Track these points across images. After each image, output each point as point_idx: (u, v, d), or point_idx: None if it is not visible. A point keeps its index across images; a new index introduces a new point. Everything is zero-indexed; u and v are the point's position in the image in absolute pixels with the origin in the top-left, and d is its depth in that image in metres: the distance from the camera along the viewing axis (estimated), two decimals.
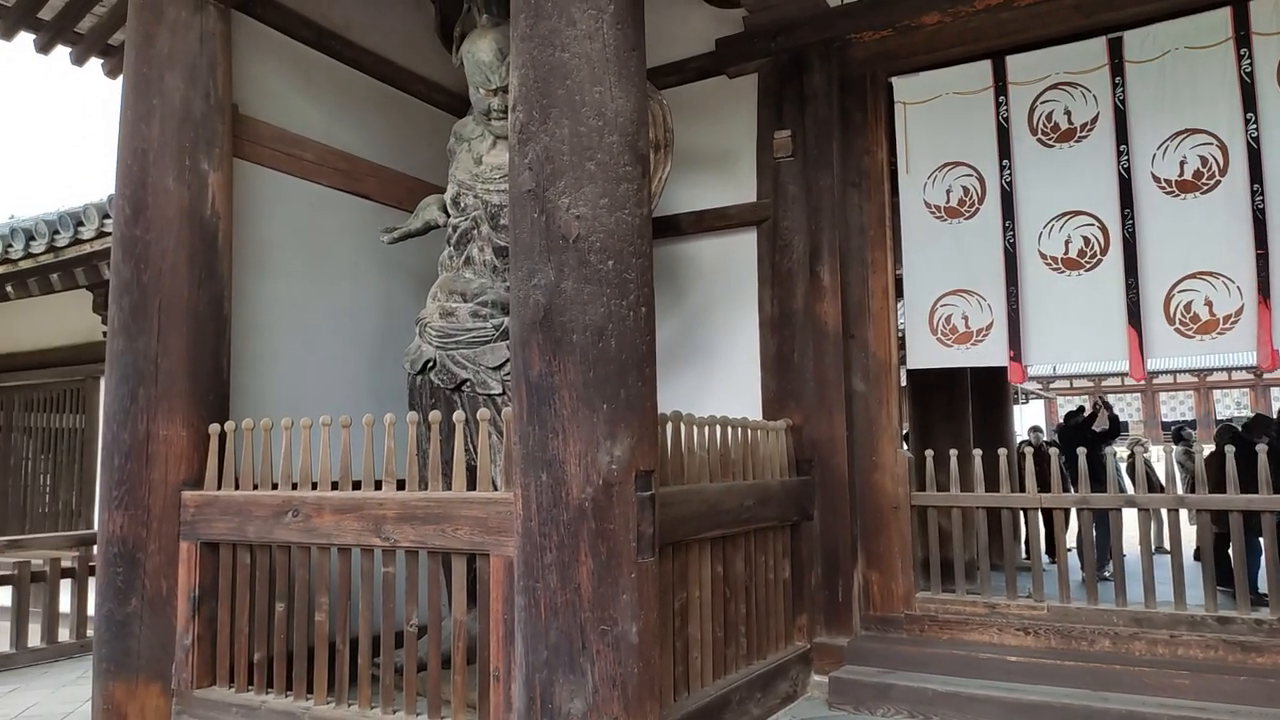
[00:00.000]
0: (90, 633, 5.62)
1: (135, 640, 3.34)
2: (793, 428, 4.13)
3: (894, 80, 4.26)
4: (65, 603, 5.58)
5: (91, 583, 5.74)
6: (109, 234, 5.13)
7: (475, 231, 4.05)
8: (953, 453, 4.05)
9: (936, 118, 4.18)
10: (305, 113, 4.25)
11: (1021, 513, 4.29)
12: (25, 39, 5.51)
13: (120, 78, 5.85)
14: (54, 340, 7.73)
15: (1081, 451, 4.08)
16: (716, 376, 4.50)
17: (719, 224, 4.46)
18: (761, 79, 4.44)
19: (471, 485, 3.12)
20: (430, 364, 4.05)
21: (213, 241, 3.60)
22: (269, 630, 3.29)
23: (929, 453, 4.11)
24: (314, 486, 3.22)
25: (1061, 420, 9.30)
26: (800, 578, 4.03)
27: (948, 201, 4.17)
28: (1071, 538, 4.42)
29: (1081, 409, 9.35)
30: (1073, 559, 4.27)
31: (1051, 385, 26.78)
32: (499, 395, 3.95)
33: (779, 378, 4.24)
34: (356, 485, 3.23)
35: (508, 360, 3.93)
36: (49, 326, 7.74)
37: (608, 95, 2.59)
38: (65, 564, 5.65)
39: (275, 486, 3.32)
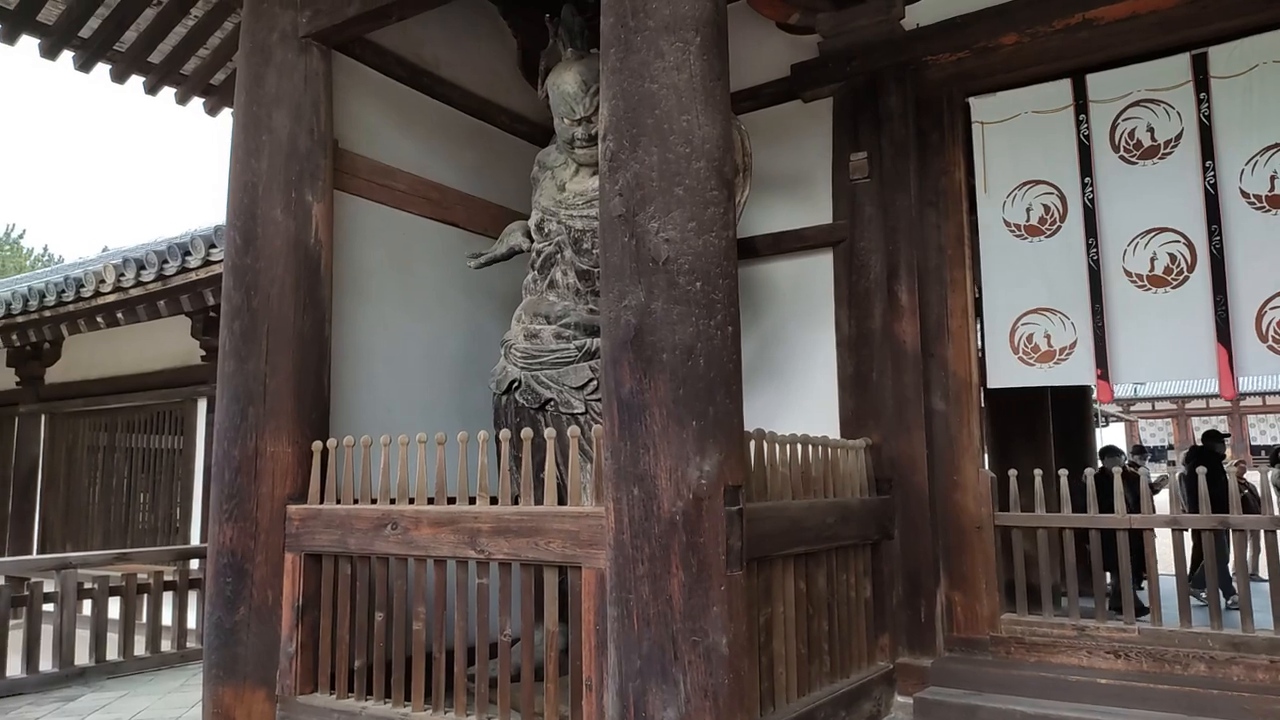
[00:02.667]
0: (190, 643, 5.94)
1: (243, 647, 3.53)
2: (872, 446, 4.14)
3: (971, 100, 4.28)
4: (166, 614, 5.87)
5: (191, 595, 6.05)
6: (214, 262, 5.46)
7: (558, 256, 4.20)
8: (1037, 473, 4.01)
9: (1015, 137, 4.19)
10: (399, 146, 4.47)
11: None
12: (135, 81, 5.91)
13: (219, 114, 6.33)
14: (154, 364, 8.15)
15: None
16: (793, 395, 4.55)
17: (796, 246, 4.53)
18: (836, 102, 4.51)
19: (559, 500, 3.24)
20: (515, 384, 4.19)
21: (316, 269, 3.81)
22: (368, 639, 3.44)
23: (1012, 472, 4.09)
24: (411, 501, 3.37)
25: (1199, 440, 9.04)
26: (881, 597, 4.03)
27: (1028, 220, 4.16)
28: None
29: (1216, 433, 9.06)
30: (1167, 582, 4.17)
31: (1133, 408, 25.94)
32: (582, 414, 4.07)
33: (857, 396, 4.27)
34: (451, 500, 3.38)
35: (591, 380, 4.08)
36: (149, 351, 8.17)
37: (695, 123, 2.70)
38: (167, 577, 5.95)
39: (374, 501, 3.48)
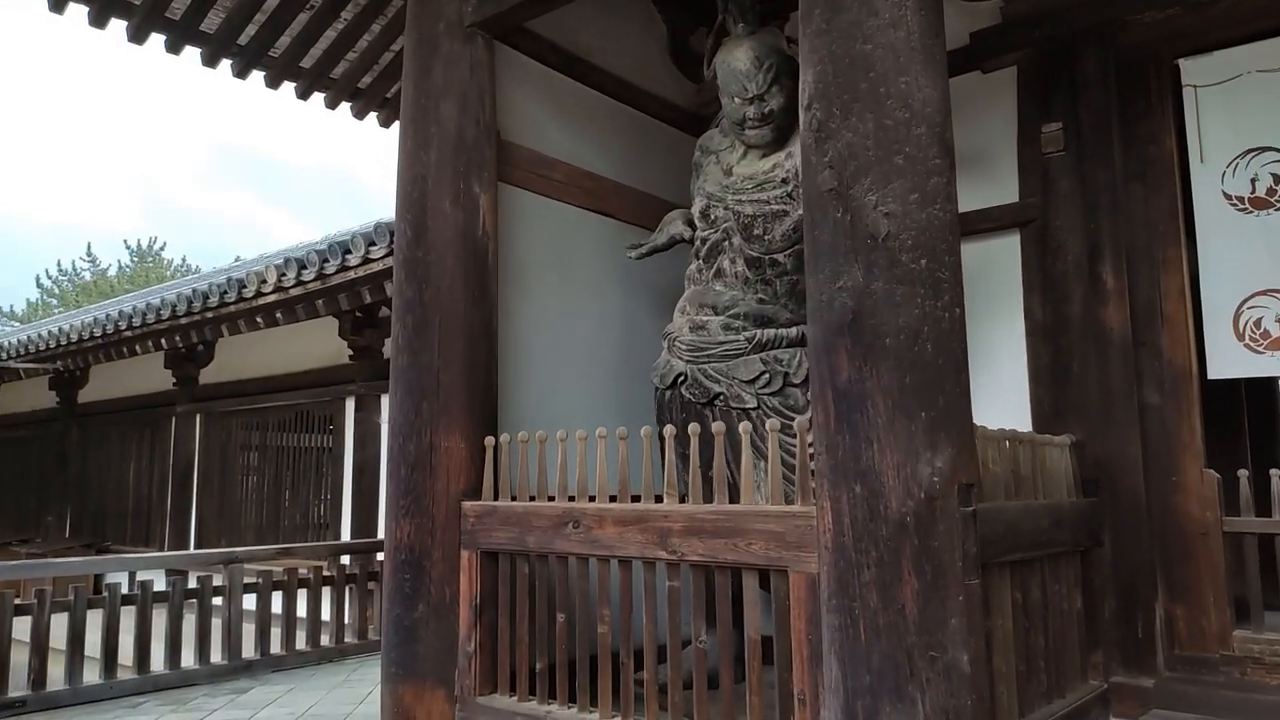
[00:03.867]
0: (348, 638, 6.02)
1: (422, 645, 3.47)
2: (1075, 444, 3.78)
3: (1181, 62, 3.86)
4: (324, 608, 5.97)
5: (349, 591, 6.14)
6: (373, 260, 5.52)
7: (726, 243, 4.00)
8: (1274, 473, 3.57)
9: (1235, 100, 3.75)
10: (555, 135, 4.37)
11: None
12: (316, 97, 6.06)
13: (365, 118, 6.42)
14: (303, 364, 8.39)
15: None
16: (978, 388, 4.11)
17: (981, 227, 4.19)
18: (1021, 71, 4.16)
19: (733, 499, 3.05)
20: (681, 378, 4.01)
21: (484, 261, 3.74)
22: (549, 640, 3.32)
23: (1243, 472, 3.65)
24: (591, 499, 3.23)
25: None
26: (1092, 610, 3.67)
27: (1253, 191, 3.72)
28: None
29: None
30: None
31: None
32: (754, 409, 3.86)
33: (1054, 390, 3.91)
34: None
35: (763, 373, 3.86)
36: (298, 351, 8.42)
37: (914, 85, 2.46)
38: (325, 572, 6.06)
39: (552, 498, 3.37)
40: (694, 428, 3.06)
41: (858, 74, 2.47)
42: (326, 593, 5.99)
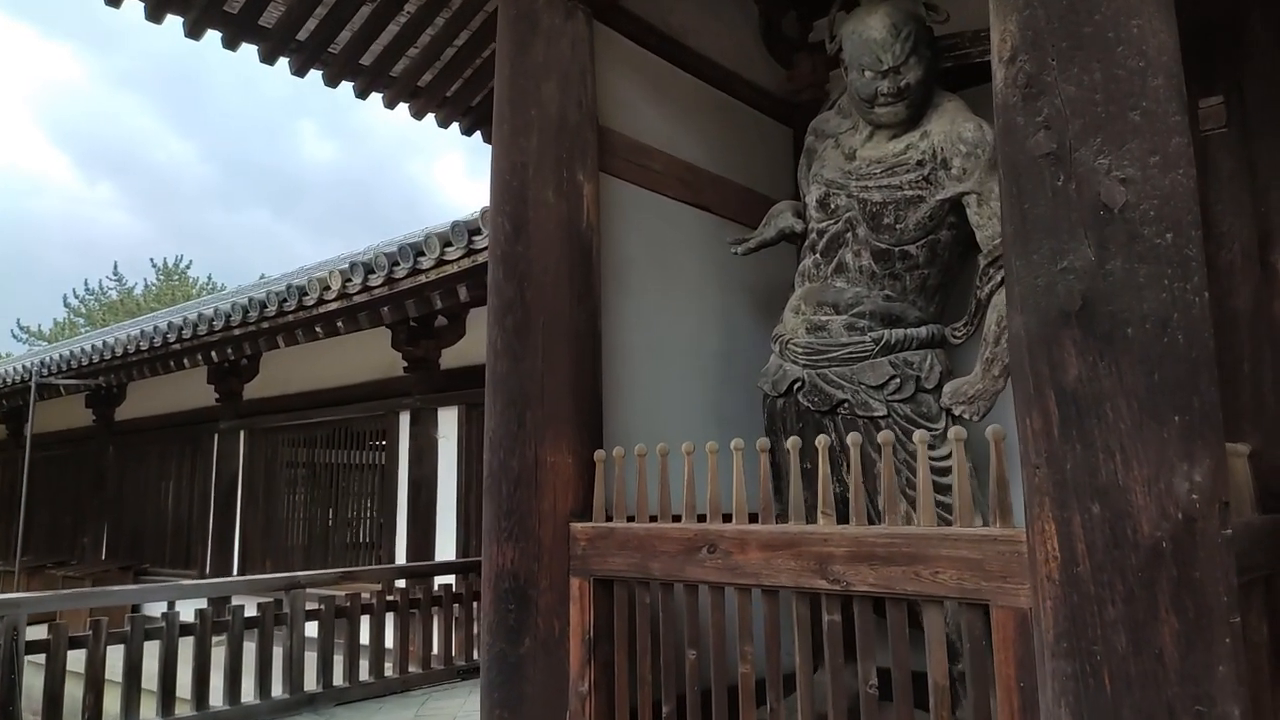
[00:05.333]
0: (412, 668, 5.66)
1: (529, 685, 3.10)
2: (1252, 454, 3.36)
3: None
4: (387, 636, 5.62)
5: (413, 617, 5.78)
6: (449, 261, 5.19)
7: (849, 235, 3.63)
8: None
9: None
10: (652, 122, 4.02)
11: None
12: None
13: (424, 118, 6.12)
14: (353, 378, 8.08)
15: None
16: None
17: None
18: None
19: (844, 519, 2.68)
20: (798, 384, 3.64)
21: (588, 256, 3.39)
22: (676, 678, 2.94)
23: None
24: (726, 519, 2.86)
25: None
26: (1278, 642, 3.24)
27: None
28: None
29: None
30: None
31: None
32: (883, 417, 3.48)
33: (1223, 393, 3.49)
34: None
35: (893, 378, 3.48)
36: (348, 364, 8.11)
37: (1147, 29, 2.08)
38: (388, 597, 5.70)
39: (676, 518, 2.99)
40: (854, 438, 2.68)
41: (1079, 17, 2.10)
42: (389, 619, 5.64)
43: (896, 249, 3.52)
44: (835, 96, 3.97)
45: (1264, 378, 3.40)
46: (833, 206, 3.66)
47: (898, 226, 3.49)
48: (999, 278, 3.32)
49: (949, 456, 3.28)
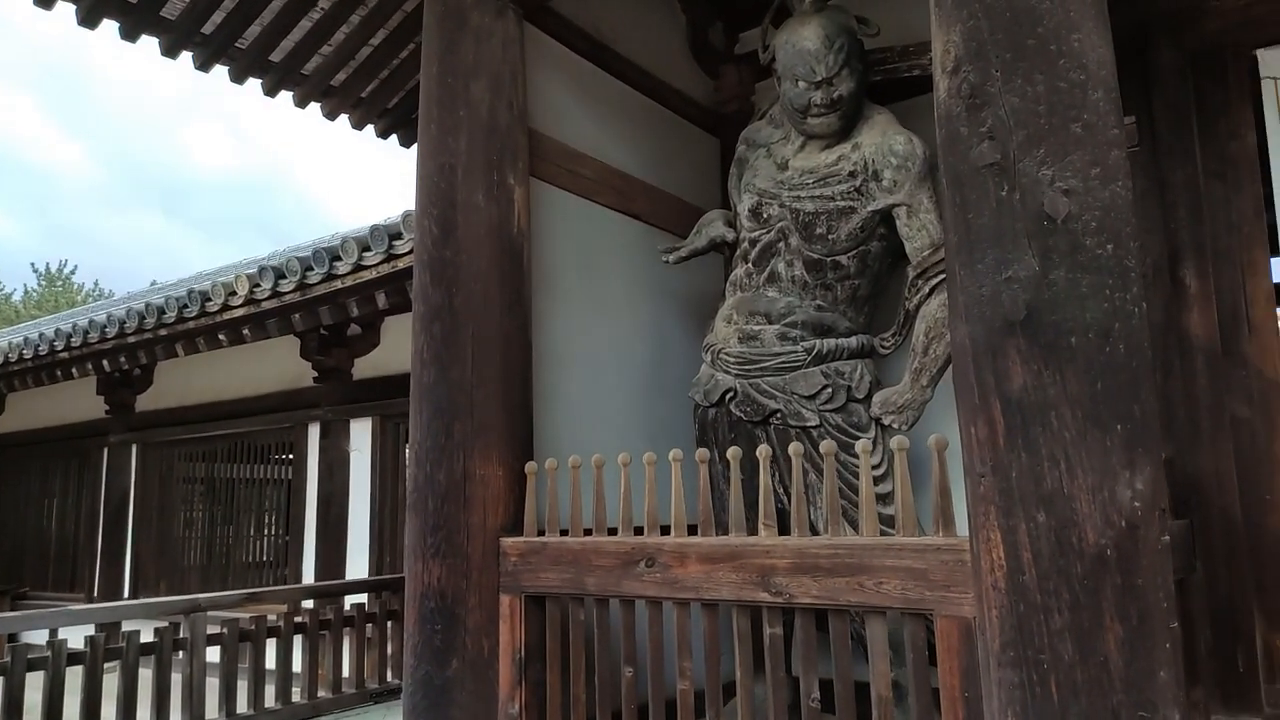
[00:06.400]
0: (321, 693, 5.39)
1: (456, 708, 2.95)
2: (1164, 461, 3.48)
3: (1260, 53, 3.64)
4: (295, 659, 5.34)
5: (323, 639, 5.51)
6: (367, 267, 4.98)
7: (781, 245, 3.62)
8: None
9: None
10: (582, 127, 3.95)
11: None
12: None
13: (337, 118, 5.89)
14: (258, 389, 7.72)
15: None
16: None
17: None
18: None
19: (784, 530, 2.66)
20: (730, 394, 3.61)
21: (518, 262, 3.29)
22: (613, 697, 2.85)
23: None
24: (664, 532, 2.79)
25: None
26: (1190, 644, 3.35)
27: None
28: None
29: None
30: None
31: None
32: (815, 427, 3.48)
33: None
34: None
35: (824, 388, 3.49)
36: (252, 374, 7.74)
37: (1087, 43, 2.12)
38: (296, 619, 5.43)
39: (612, 532, 2.91)
40: (795, 447, 2.64)
41: (1022, 29, 2.12)
42: (297, 641, 5.36)
43: (828, 259, 3.54)
44: (764, 107, 3.98)
45: (1174, 388, 3.54)
46: (765, 216, 3.65)
47: (830, 237, 3.50)
48: (927, 289, 3.37)
49: (881, 465, 3.31)
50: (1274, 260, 3.77)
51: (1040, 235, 2.06)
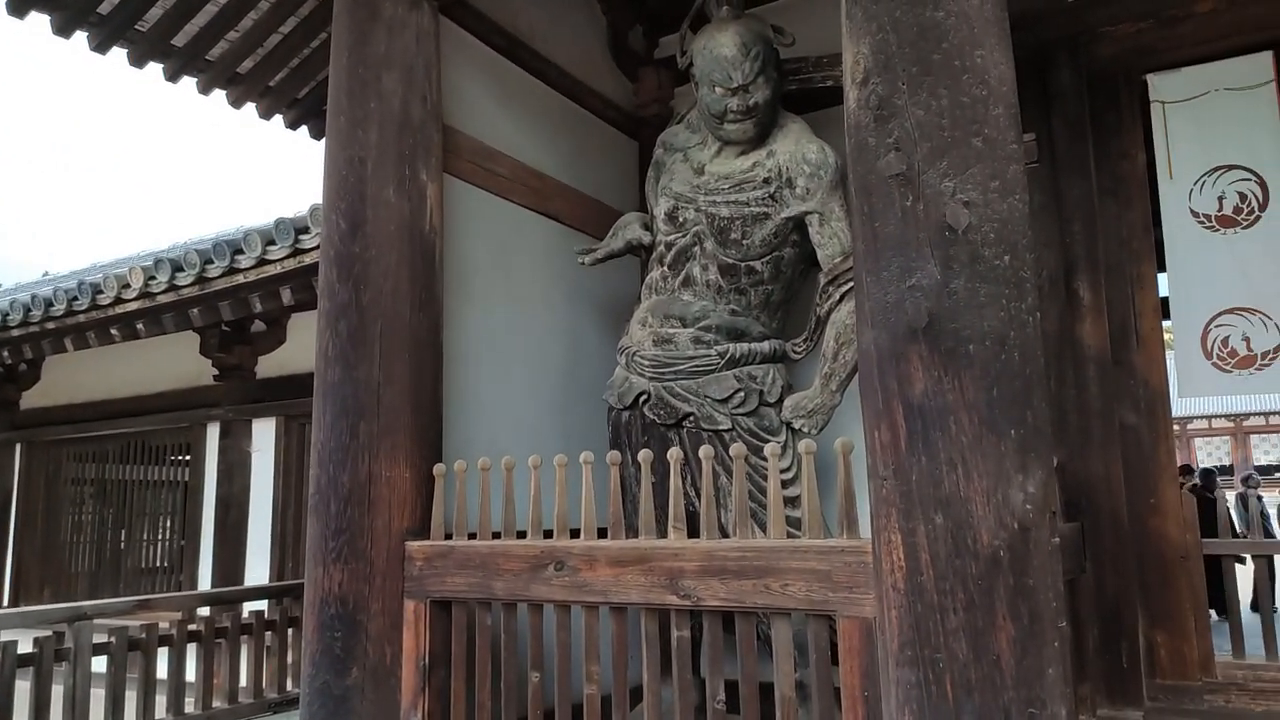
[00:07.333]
0: (216, 703, 5.17)
1: (355, 718, 2.86)
2: (1057, 466, 3.62)
3: (1150, 77, 3.84)
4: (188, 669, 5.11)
5: (221, 648, 5.29)
6: (271, 261, 4.80)
7: (696, 249, 3.64)
8: (1247, 493, 3.53)
9: (1203, 117, 3.75)
10: (499, 125, 3.89)
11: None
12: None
13: (243, 106, 5.68)
14: (153, 386, 7.39)
15: None
16: None
17: None
18: None
19: (694, 533, 2.68)
20: (644, 397, 3.61)
21: (431, 260, 3.22)
22: (518, 703, 2.80)
23: (1229, 493, 3.60)
24: (574, 535, 2.76)
25: None
26: (1079, 641, 3.50)
27: (1220, 210, 3.72)
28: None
29: None
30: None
31: (1189, 425, 25.74)
32: (726, 430, 3.51)
33: None
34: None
35: (736, 391, 3.52)
36: (148, 372, 7.41)
37: (989, 60, 2.18)
38: (191, 626, 5.19)
39: (521, 535, 2.87)
40: (706, 450, 2.65)
41: (929, 44, 2.18)
42: (192, 650, 5.13)
43: (743, 264, 3.57)
44: (682, 112, 4.00)
45: (1067, 395, 3.69)
46: (681, 220, 3.67)
47: (744, 242, 3.54)
48: (838, 295, 3.43)
49: (790, 468, 3.35)
50: (1160, 275, 3.94)
51: (942, 245, 2.12)
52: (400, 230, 3.11)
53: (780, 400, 3.56)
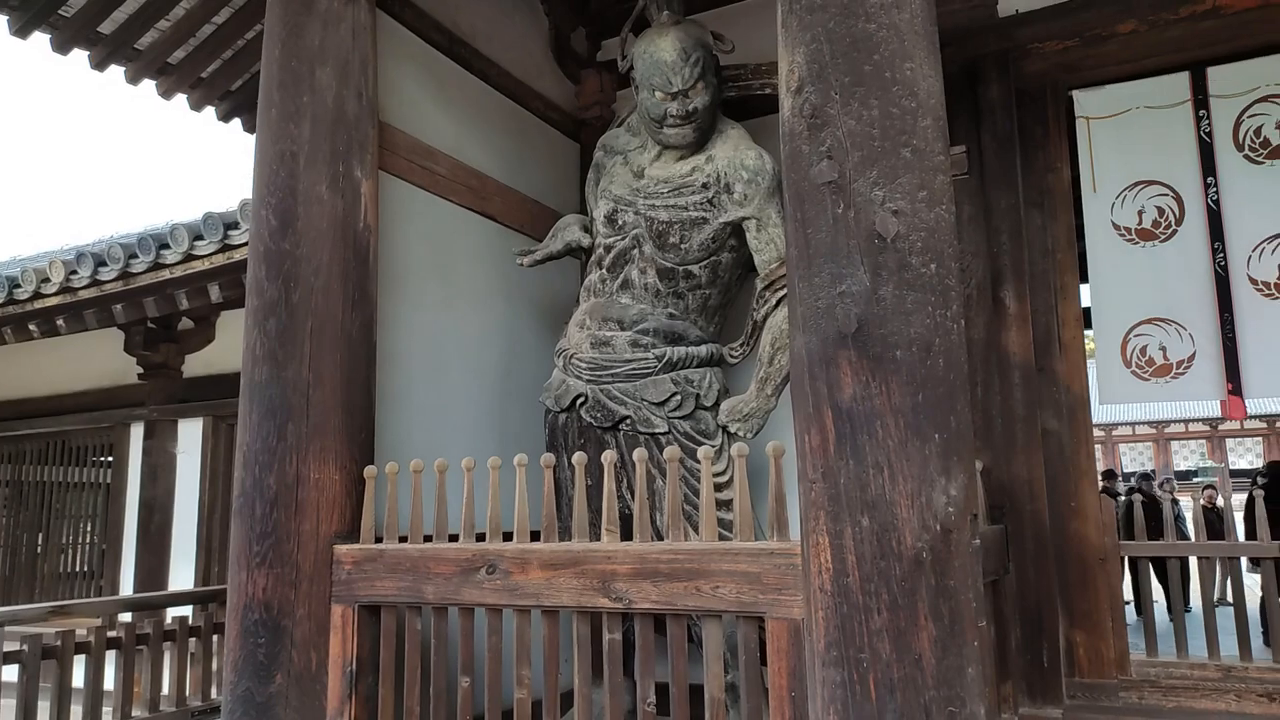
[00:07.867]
0: (136, 712, 5.00)
1: None
2: (982, 470, 3.72)
3: (1075, 94, 3.98)
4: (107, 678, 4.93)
5: (142, 655, 5.11)
6: (198, 257, 4.66)
7: (635, 252, 3.65)
8: (1162, 495, 3.67)
9: (1125, 134, 3.89)
10: (438, 124, 3.85)
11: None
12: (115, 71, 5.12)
13: (173, 97, 5.52)
14: (74, 385, 7.13)
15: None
16: None
17: None
18: None
19: (627, 535, 2.69)
20: (580, 400, 3.61)
21: (365, 258, 3.16)
22: (448, 709, 2.77)
23: (1136, 497, 3.73)
24: (506, 538, 2.74)
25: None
26: (1002, 641, 3.59)
27: (1140, 223, 3.86)
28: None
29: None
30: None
31: (1114, 431, 26.50)
32: (663, 434, 3.52)
33: None
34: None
35: (674, 395, 3.53)
36: (68, 370, 7.15)
37: (918, 72, 2.23)
38: (111, 633, 5.02)
39: (453, 538, 2.84)
40: (640, 454, 2.66)
41: (861, 55, 2.22)
42: (111, 657, 4.95)
43: (680, 268, 3.59)
44: (624, 115, 4.00)
45: (992, 401, 3.78)
46: (620, 223, 3.67)
47: (682, 246, 3.55)
48: (774, 300, 3.47)
49: (725, 471, 3.37)
50: (1083, 285, 4.07)
51: (872, 252, 2.16)
52: (333, 227, 3.05)
53: (717, 404, 3.58)
